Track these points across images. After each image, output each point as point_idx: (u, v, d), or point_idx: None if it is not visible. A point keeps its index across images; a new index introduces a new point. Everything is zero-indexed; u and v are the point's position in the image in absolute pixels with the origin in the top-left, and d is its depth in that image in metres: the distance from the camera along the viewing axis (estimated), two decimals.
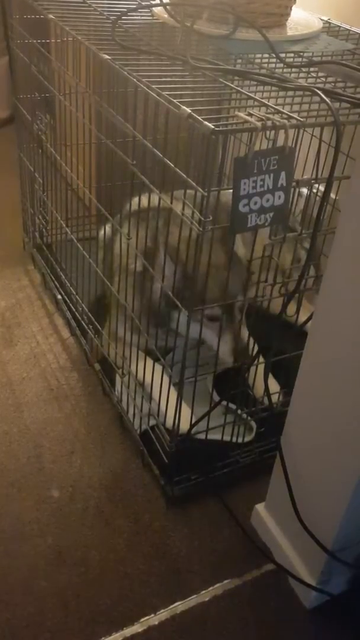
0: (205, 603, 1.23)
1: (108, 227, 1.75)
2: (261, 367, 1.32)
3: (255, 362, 1.32)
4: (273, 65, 1.34)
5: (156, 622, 1.20)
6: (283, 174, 1.01)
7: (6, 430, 1.56)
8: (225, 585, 1.27)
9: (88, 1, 1.64)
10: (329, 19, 1.70)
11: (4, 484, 1.43)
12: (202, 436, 1.38)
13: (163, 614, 1.21)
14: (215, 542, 1.34)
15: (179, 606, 1.22)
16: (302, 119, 1.02)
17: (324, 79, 1.31)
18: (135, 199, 1.54)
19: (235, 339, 1.38)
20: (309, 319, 1.14)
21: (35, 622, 1.18)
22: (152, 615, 1.21)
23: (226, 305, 1.35)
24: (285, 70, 1.31)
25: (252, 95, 1.10)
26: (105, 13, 1.54)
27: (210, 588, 1.26)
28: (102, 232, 1.79)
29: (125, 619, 1.20)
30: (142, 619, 1.20)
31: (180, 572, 1.28)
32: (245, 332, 1.38)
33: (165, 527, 1.36)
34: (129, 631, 1.18)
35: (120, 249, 1.50)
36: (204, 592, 1.25)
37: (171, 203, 1.14)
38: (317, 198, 1.12)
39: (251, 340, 1.33)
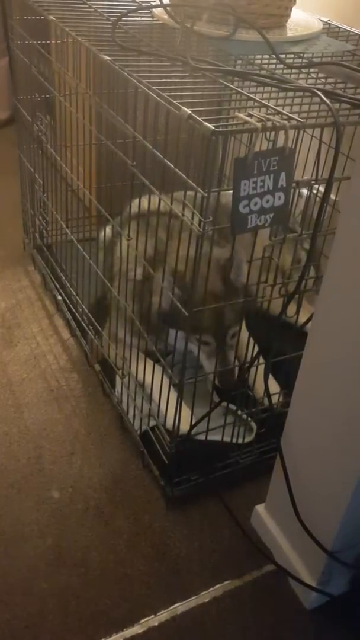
0: (205, 604, 1.23)
1: (108, 229, 1.75)
2: (261, 368, 1.32)
3: (255, 363, 1.32)
4: (273, 66, 1.35)
5: (156, 623, 1.20)
6: (283, 174, 1.01)
7: (6, 431, 1.56)
8: (225, 586, 1.27)
9: (88, 2, 1.64)
10: (329, 20, 1.70)
11: (4, 485, 1.43)
12: (202, 437, 1.38)
13: (163, 615, 1.21)
14: (215, 543, 1.34)
15: (179, 607, 1.22)
16: (302, 120, 1.02)
17: (324, 80, 1.32)
18: (136, 201, 1.54)
19: (224, 364, 1.39)
20: (309, 319, 1.14)
21: (36, 622, 1.18)
22: (152, 616, 1.21)
23: (218, 333, 1.37)
24: (285, 71, 1.32)
25: (252, 96, 1.10)
26: (105, 14, 1.54)
27: (211, 589, 1.26)
28: (102, 234, 1.79)
29: (125, 619, 1.20)
30: (142, 620, 1.20)
31: (180, 573, 1.28)
32: (245, 335, 1.38)
33: (165, 528, 1.36)
34: (129, 632, 1.18)
35: (120, 252, 1.50)
36: (204, 593, 1.25)
37: (171, 204, 1.14)
38: (317, 199, 1.12)
39: (251, 342, 1.33)
